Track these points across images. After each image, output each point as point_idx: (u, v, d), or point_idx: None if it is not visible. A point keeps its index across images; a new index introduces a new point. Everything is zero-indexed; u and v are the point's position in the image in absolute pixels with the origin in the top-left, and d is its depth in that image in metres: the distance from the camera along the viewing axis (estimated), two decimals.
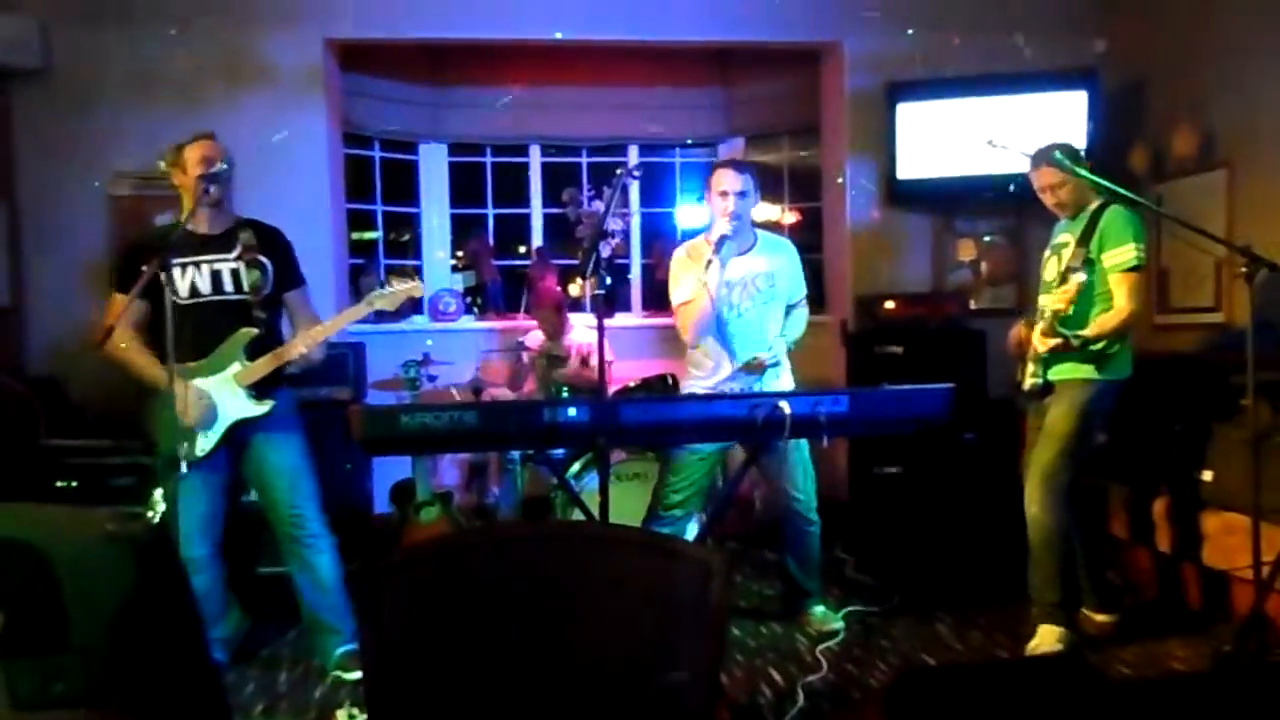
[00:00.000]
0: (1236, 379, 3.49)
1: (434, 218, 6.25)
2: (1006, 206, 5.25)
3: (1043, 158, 3.49)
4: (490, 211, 6.35)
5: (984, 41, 5.32)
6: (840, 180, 5.67)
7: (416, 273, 6.25)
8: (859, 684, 3.23)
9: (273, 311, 3.29)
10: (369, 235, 6.18)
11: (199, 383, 3.14)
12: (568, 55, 5.84)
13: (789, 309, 3.71)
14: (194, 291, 3.17)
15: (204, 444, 3.14)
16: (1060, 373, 3.47)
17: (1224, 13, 4.68)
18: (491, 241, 6.33)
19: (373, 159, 6.10)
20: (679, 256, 3.66)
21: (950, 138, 5.20)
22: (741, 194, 3.51)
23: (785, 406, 2.67)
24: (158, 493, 2.84)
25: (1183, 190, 4.84)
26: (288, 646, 3.60)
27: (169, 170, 3.26)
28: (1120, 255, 3.39)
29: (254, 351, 3.18)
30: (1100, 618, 3.64)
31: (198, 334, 3.15)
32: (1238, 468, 3.53)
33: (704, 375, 3.61)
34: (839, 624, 3.70)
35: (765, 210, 6.54)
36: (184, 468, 3.08)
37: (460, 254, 6.35)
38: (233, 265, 3.21)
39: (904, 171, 5.37)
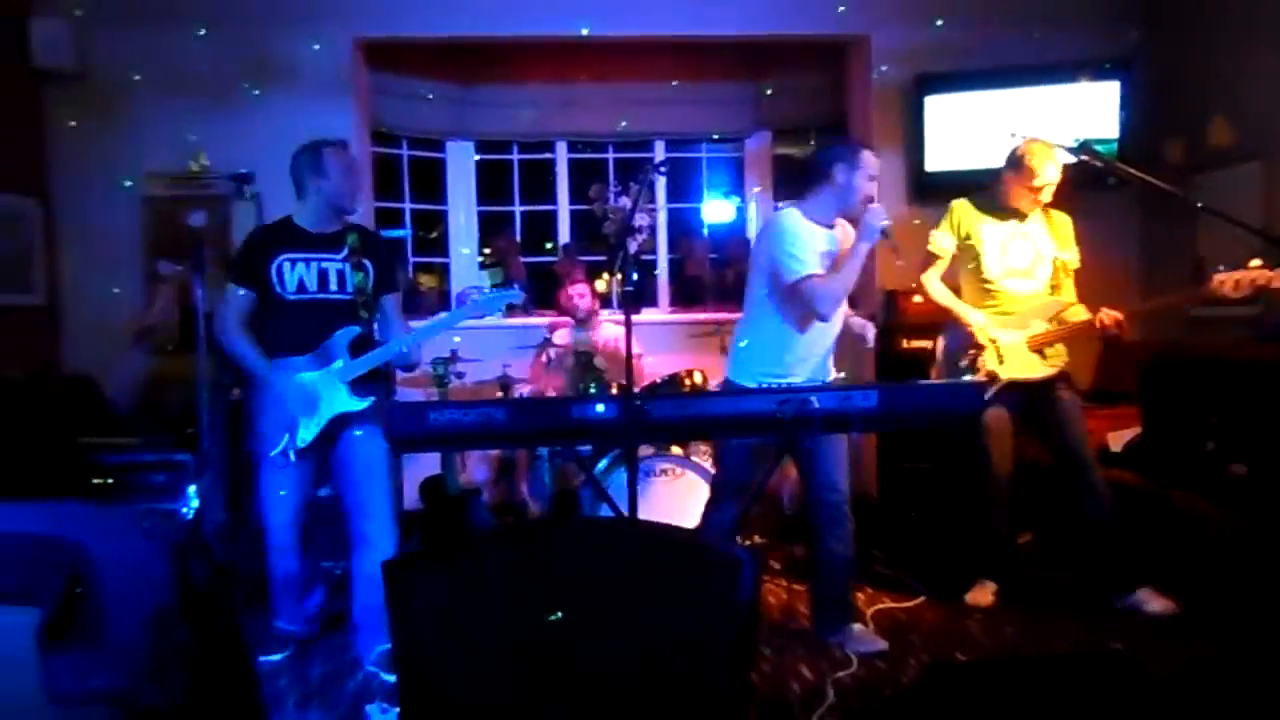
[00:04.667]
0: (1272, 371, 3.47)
1: (461, 215, 6.28)
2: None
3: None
4: (517, 208, 6.36)
5: (1014, 32, 5.27)
6: None
7: (444, 270, 6.30)
8: (889, 680, 3.21)
9: (372, 313, 3.38)
10: (397, 233, 6.21)
11: (303, 376, 3.27)
12: (594, 51, 5.84)
13: None
14: (301, 287, 3.29)
15: (305, 435, 3.27)
16: (1061, 356, 3.75)
17: (1259, 2, 4.60)
18: (519, 238, 6.34)
19: (400, 157, 6.14)
20: (791, 226, 3.36)
21: (980, 130, 5.15)
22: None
23: (815, 401, 2.66)
24: (192, 489, 2.90)
25: (1218, 182, 4.77)
26: (322, 640, 3.63)
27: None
28: (1075, 256, 3.79)
29: (355, 349, 3.28)
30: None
31: (302, 328, 3.27)
32: (1273, 461, 3.48)
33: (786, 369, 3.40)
34: (882, 643, 3.46)
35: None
36: (291, 456, 3.26)
37: (487, 251, 6.37)
38: (339, 266, 3.31)
39: (932, 164, 5.33)
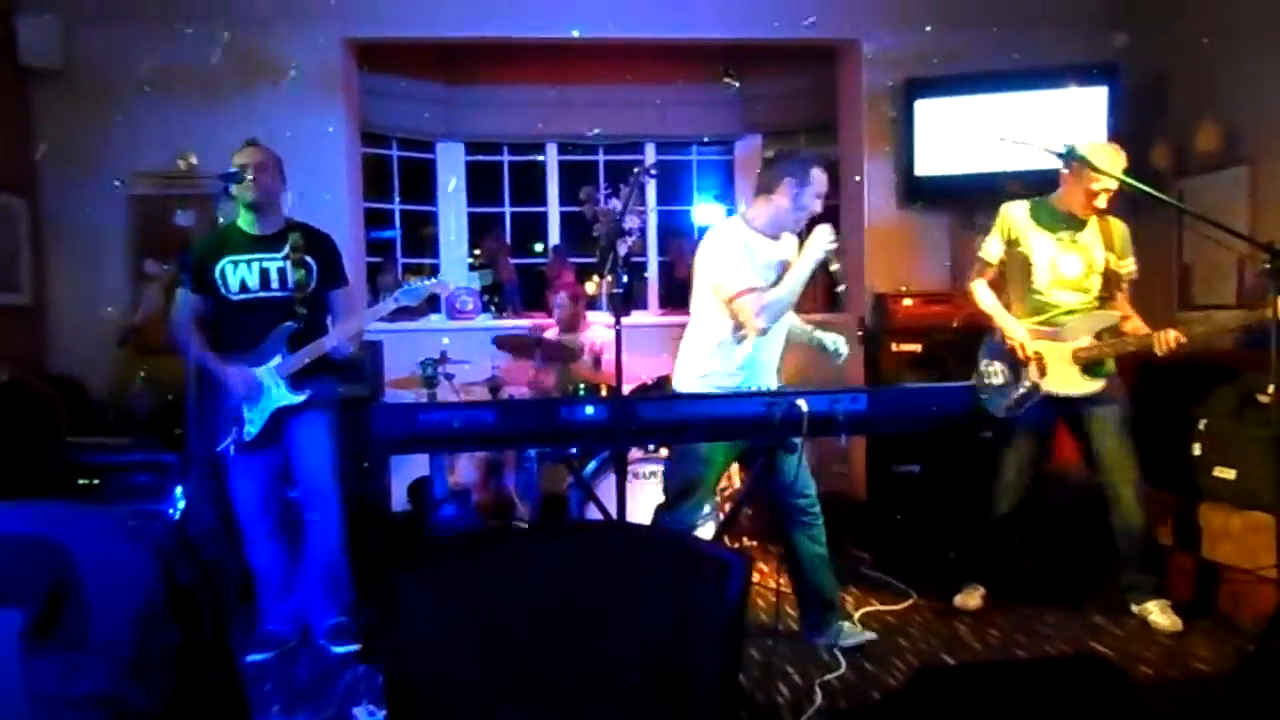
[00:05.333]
0: (1258, 376, 3.49)
1: (451, 216, 6.26)
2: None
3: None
4: (507, 210, 6.35)
5: (1003, 37, 5.29)
6: (857, 178, 5.65)
7: (434, 271, 6.28)
8: (877, 683, 3.22)
9: (316, 309, 3.50)
10: (386, 234, 6.20)
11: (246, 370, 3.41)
12: (585, 53, 5.84)
13: None
14: (244, 287, 3.42)
15: (249, 429, 3.41)
16: (1108, 370, 3.68)
17: (1247, 7, 4.63)
18: (508, 240, 6.34)
19: (390, 158, 6.12)
20: (733, 237, 3.35)
21: (969, 134, 5.17)
22: None
23: (803, 404, 2.66)
24: (178, 490, 2.92)
25: (1205, 186, 4.80)
26: (306, 643, 3.62)
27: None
28: (1132, 266, 3.73)
29: (295, 345, 3.41)
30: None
31: (245, 327, 3.42)
32: (1260, 466, 3.49)
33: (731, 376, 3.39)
34: (869, 634, 3.53)
35: None
36: (232, 450, 3.41)
37: (477, 252, 6.36)
38: (280, 264, 3.44)
39: (922, 168, 5.35)
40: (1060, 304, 3.68)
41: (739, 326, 3.33)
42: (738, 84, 4.51)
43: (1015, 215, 3.76)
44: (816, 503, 3.50)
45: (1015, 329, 3.70)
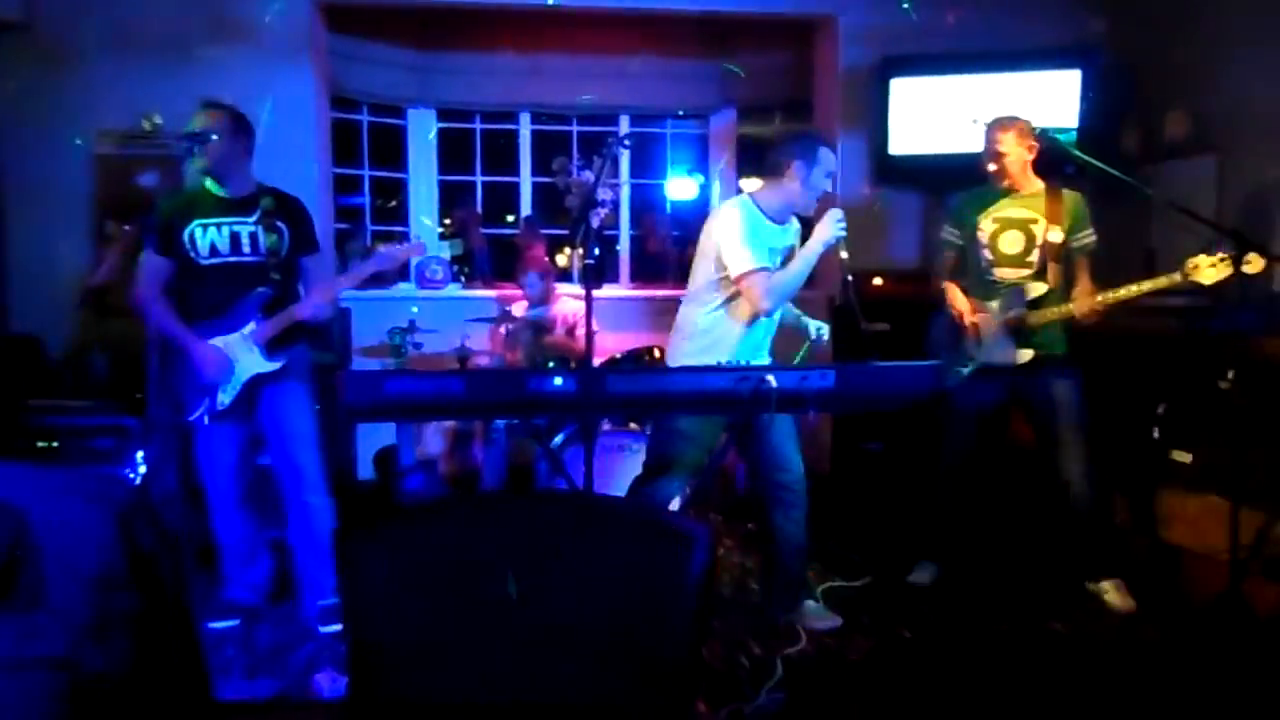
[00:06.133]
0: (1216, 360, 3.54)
1: (422, 184, 6.20)
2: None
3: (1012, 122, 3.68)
4: (479, 179, 6.30)
5: (981, 17, 5.30)
6: None
7: (403, 240, 6.22)
8: (837, 657, 3.25)
9: (288, 275, 3.42)
10: (355, 200, 6.12)
11: (216, 340, 3.31)
12: (560, 22, 5.78)
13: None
14: (214, 251, 3.33)
15: (223, 398, 3.33)
16: (1053, 343, 3.68)
17: None
18: (480, 209, 6.28)
19: (360, 123, 6.04)
20: (743, 217, 3.29)
21: (944, 114, 5.18)
22: None
23: (772, 380, 2.67)
24: (139, 454, 2.88)
25: (1174, 173, 4.84)
26: (268, 609, 3.60)
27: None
28: (1089, 238, 3.68)
29: (269, 311, 3.33)
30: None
31: (216, 293, 3.33)
32: (1217, 450, 3.55)
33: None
34: (837, 619, 3.54)
35: (752, 184, 6.52)
36: (205, 420, 3.34)
37: (448, 221, 6.31)
38: (251, 228, 3.35)
39: (896, 147, 5.36)
40: (1003, 280, 3.73)
41: (746, 310, 3.31)
42: (741, 71, 4.48)
43: (965, 200, 3.85)
44: (801, 482, 3.48)
45: (956, 299, 3.78)
